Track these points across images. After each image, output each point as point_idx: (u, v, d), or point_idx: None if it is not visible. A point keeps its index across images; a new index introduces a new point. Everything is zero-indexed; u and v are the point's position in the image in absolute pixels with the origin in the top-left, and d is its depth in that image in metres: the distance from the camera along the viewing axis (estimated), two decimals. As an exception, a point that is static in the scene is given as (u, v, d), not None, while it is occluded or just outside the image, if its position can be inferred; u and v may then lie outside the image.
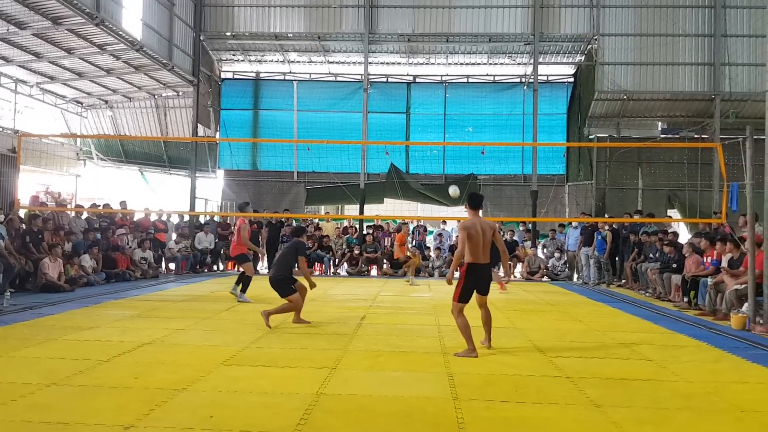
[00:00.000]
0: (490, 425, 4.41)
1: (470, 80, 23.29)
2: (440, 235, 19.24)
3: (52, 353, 6.38)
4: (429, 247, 19.22)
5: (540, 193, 20.43)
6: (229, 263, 18.84)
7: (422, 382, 5.58)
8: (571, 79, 22.66)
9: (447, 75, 23.33)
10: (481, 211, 7.13)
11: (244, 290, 11.30)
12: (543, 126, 21.30)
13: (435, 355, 6.72)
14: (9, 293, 10.17)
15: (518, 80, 22.91)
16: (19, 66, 18.35)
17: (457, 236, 19.08)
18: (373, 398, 5.00)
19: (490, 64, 22.77)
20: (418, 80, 23.43)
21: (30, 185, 19.62)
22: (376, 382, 5.53)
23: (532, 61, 20.88)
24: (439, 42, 21.39)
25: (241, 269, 11.94)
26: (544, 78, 22.49)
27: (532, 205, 20.17)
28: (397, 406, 4.81)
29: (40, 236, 12.74)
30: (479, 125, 22.61)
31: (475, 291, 6.91)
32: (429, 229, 20.42)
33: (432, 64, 23.02)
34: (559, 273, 17.38)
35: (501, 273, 16.89)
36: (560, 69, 22.91)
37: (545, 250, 18.28)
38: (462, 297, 6.80)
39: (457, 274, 7.16)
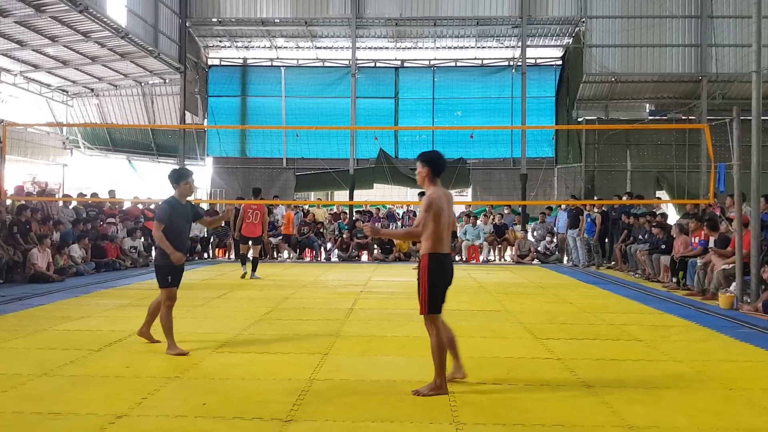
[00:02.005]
0: (482, 408, 4.44)
1: (458, 64, 23.25)
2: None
3: (42, 344, 6.35)
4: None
5: (529, 177, 20.48)
6: (219, 250, 18.80)
7: (414, 366, 5.60)
8: (560, 62, 22.67)
9: (435, 59, 23.28)
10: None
11: (243, 263, 12.85)
12: (531, 109, 21.32)
13: (426, 339, 6.69)
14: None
15: (506, 64, 22.89)
16: (2, 54, 18.14)
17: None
18: (365, 383, 5.02)
19: (478, 47, 22.73)
20: (406, 65, 23.36)
21: (16, 175, 19.43)
22: (368, 367, 5.55)
23: (520, 44, 20.86)
24: (426, 26, 21.30)
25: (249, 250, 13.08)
26: (533, 61, 22.48)
27: (521, 189, 20.23)
28: (390, 389, 4.84)
29: (28, 226, 12.64)
30: (468, 109, 22.61)
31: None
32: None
33: (420, 48, 22.95)
34: (549, 256, 17.46)
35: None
36: (548, 52, 22.91)
37: (535, 234, 18.35)
38: (434, 305, 4.87)
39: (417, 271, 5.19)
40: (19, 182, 17.48)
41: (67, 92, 22.96)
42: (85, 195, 16.23)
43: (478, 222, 18.26)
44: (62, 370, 5.28)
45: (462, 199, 23.12)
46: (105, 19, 16.41)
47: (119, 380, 4.97)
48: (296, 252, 18.13)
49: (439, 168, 4.96)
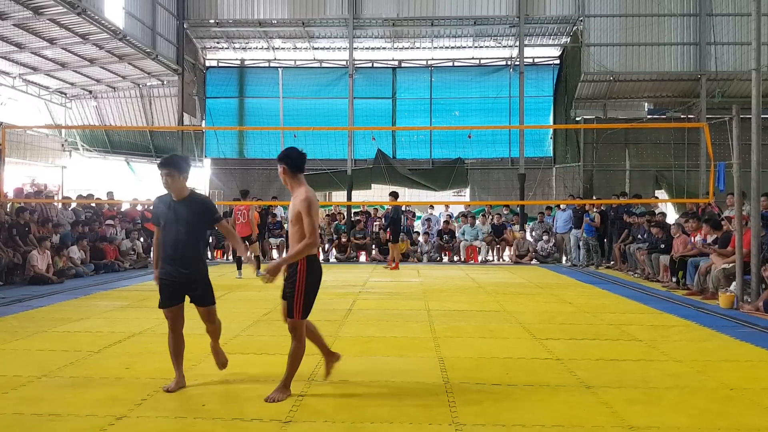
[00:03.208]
0: (481, 408, 4.43)
1: (456, 64, 23.25)
2: (428, 220, 19.25)
3: (42, 345, 6.34)
4: (417, 233, 19.24)
5: (527, 176, 20.49)
6: (218, 251, 18.79)
7: (413, 366, 5.60)
8: (557, 62, 22.68)
9: (432, 59, 23.28)
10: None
11: (239, 267, 13.16)
12: (529, 109, 21.33)
13: (425, 340, 6.74)
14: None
15: (504, 63, 22.90)
16: (1, 57, 18.09)
17: (439, 219, 19.24)
18: (364, 384, 5.02)
19: (476, 47, 22.73)
20: (403, 65, 23.36)
21: (15, 177, 19.39)
22: (367, 368, 5.54)
23: (517, 43, 20.87)
24: (424, 26, 21.30)
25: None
26: (530, 60, 22.49)
27: (519, 188, 20.24)
28: (389, 390, 4.83)
29: (27, 229, 12.63)
30: (466, 109, 22.61)
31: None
32: (417, 214, 20.43)
33: (417, 48, 22.94)
34: (547, 256, 17.47)
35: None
36: (546, 51, 22.92)
37: (533, 233, 18.36)
38: (307, 309, 4.59)
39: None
40: (18, 184, 17.44)
41: (65, 94, 22.93)
42: (85, 197, 16.21)
43: (477, 222, 18.27)
44: (62, 372, 5.27)
45: (460, 199, 23.12)
46: (103, 21, 16.40)
47: (119, 381, 4.96)
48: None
49: (296, 163, 4.74)
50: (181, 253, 4.73)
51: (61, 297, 10.00)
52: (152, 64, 20.42)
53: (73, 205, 15.94)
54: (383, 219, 17.43)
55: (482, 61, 23.14)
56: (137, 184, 23.96)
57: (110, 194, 17.08)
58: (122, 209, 17.51)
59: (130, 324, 7.49)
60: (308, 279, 4.49)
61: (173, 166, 4.76)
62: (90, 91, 23.05)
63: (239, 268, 13.19)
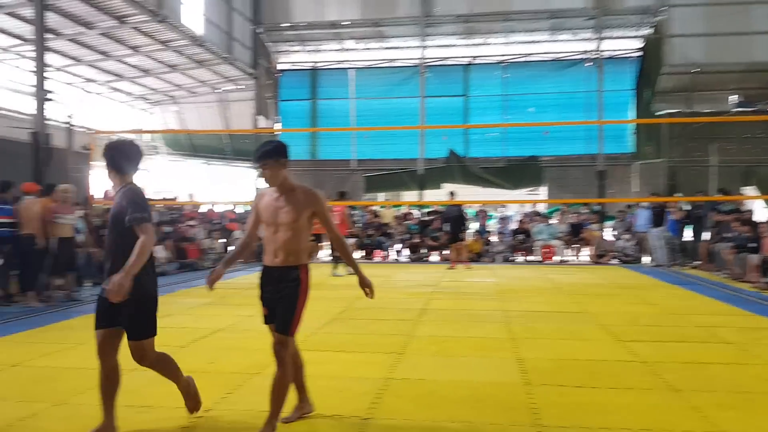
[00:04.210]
0: (564, 410, 4.33)
1: (530, 59, 22.81)
2: (502, 219, 19.00)
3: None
4: (490, 232, 19.02)
5: (607, 173, 19.88)
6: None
7: (491, 367, 5.53)
8: (638, 54, 21.87)
9: (506, 55, 22.91)
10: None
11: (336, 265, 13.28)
12: (608, 103, 20.71)
13: (502, 341, 6.65)
14: (90, 284, 10.61)
15: (581, 57, 22.28)
16: (89, 65, 19.05)
17: (488, 218, 18.84)
18: (442, 383, 4.98)
19: (551, 41, 22.22)
20: (476, 62, 23.11)
21: (102, 181, 20.37)
22: (444, 368, 5.51)
23: (595, 36, 20.28)
24: (497, 21, 21.02)
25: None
26: (609, 53, 21.78)
27: (598, 186, 19.67)
28: (468, 391, 4.78)
29: (114, 229, 13.22)
30: (541, 105, 22.15)
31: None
32: (490, 213, 20.20)
33: (490, 44, 22.64)
34: (628, 255, 16.90)
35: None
36: (626, 43, 22.13)
37: (614, 233, 17.80)
38: (299, 325, 4.07)
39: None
40: (106, 188, 18.30)
41: (148, 100, 23.93)
42: (167, 199, 16.88)
43: (553, 221, 17.89)
44: (150, 366, 5.47)
45: (535, 197, 22.68)
46: (182, 28, 17.02)
47: (204, 376, 5.10)
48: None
49: (286, 155, 3.97)
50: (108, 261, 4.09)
51: (147, 294, 10.41)
52: (229, 68, 21.04)
53: (157, 206, 16.61)
54: (442, 219, 17.31)
55: (558, 56, 22.61)
56: (216, 185, 24.75)
57: (191, 196, 17.70)
58: (202, 210, 18.11)
59: (214, 320, 7.73)
60: (307, 291, 4.06)
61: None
62: (171, 97, 23.96)
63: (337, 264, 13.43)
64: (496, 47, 22.80)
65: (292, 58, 24.33)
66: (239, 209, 19.73)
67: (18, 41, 16.00)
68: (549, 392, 4.75)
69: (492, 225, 19.61)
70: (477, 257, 17.16)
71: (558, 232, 17.60)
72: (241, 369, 5.35)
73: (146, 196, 3.96)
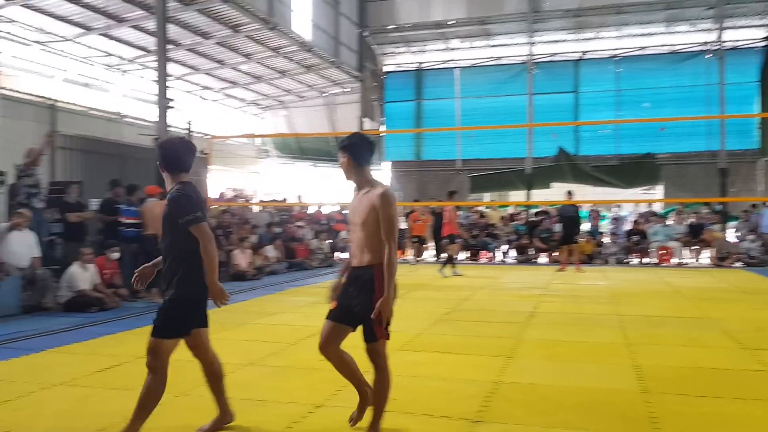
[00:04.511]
0: (686, 421, 4.07)
1: (645, 52, 21.75)
2: (616, 219, 18.23)
3: (246, 336, 6.90)
4: (602, 233, 18.31)
5: (729, 171, 18.62)
6: (399, 251, 19.28)
7: (606, 373, 5.30)
8: (764, 43, 20.34)
9: (618, 49, 21.99)
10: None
11: (445, 264, 13.41)
12: (731, 97, 19.39)
13: (618, 346, 6.36)
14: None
15: (700, 49, 20.99)
16: (206, 74, 20.06)
17: (622, 219, 17.91)
18: (554, 388, 4.83)
19: (668, 33, 21.09)
20: (586, 56, 22.33)
21: (218, 183, 21.42)
22: (556, 372, 5.33)
23: (716, 26, 19.04)
24: (609, 14, 20.22)
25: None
26: (731, 44, 20.39)
27: (720, 184, 18.45)
28: (582, 397, 4.60)
29: (230, 230, 13.87)
30: (657, 100, 21.05)
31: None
32: (602, 213, 19.44)
33: (602, 38, 21.82)
34: (753, 258, 15.73)
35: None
36: (750, 33, 20.64)
37: (737, 234, 16.63)
38: (388, 326, 3.77)
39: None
40: (220, 189, 19.22)
41: (259, 105, 24.90)
42: (277, 200, 17.49)
43: (670, 221, 16.97)
44: (265, 361, 5.68)
45: (650, 197, 21.60)
46: (292, 35, 17.58)
47: (315, 372, 5.22)
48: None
49: (362, 152, 3.83)
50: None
51: (259, 292, 10.85)
52: (336, 72, 21.50)
53: (268, 207, 17.26)
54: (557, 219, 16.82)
55: (675, 48, 21.41)
56: (323, 187, 25.38)
57: (300, 197, 18.24)
58: (310, 211, 18.61)
59: (322, 319, 7.86)
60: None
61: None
62: (281, 102, 24.80)
63: (452, 265, 13.49)
64: (608, 41, 21.92)
65: (397, 59, 24.53)
66: (346, 210, 20.13)
67: (141, 52, 17.10)
68: (669, 401, 4.49)
69: (604, 225, 18.88)
70: (588, 259, 16.57)
71: (675, 233, 16.67)
72: (350, 367, 5.41)
73: (198, 195, 3.73)
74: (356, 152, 3.80)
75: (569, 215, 14.74)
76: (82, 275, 8.90)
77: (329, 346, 3.89)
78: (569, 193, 14.81)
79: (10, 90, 13.45)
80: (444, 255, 14.40)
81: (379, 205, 3.63)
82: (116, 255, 9.66)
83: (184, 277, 3.61)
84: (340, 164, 3.85)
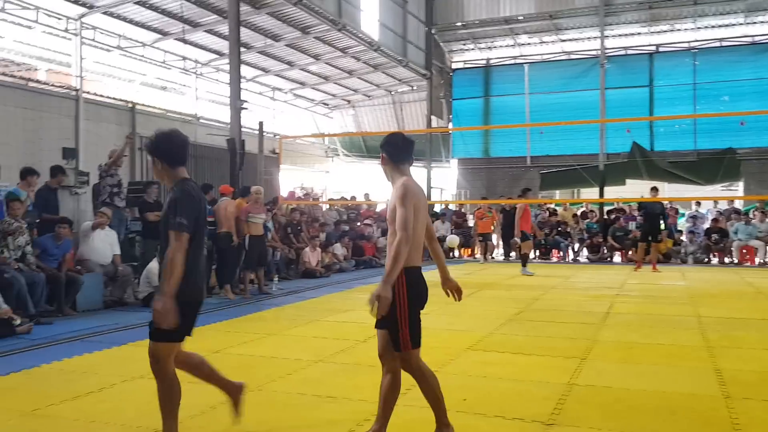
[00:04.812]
0: (775, 430, 3.88)
1: (723, 44, 20.81)
2: (693, 217, 17.52)
3: (316, 333, 7.00)
4: (680, 231, 17.62)
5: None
6: (464, 250, 19.13)
7: (685, 377, 5.11)
8: None
9: (695, 41, 21.13)
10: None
11: (524, 264, 13.39)
12: (820, 87, 18.27)
13: (697, 349, 6.12)
14: (277, 279, 11.41)
15: (784, 38, 19.91)
16: (276, 75, 20.47)
17: (697, 216, 17.15)
18: (630, 392, 4.69)
19: (748, 23, 20.10)
20: (661, 50, 21.55)
21: (288, 182, 21.84)
22: (632, 375, 5.17)
23: (803, 13, 18.00)
24: (685, 6, 19.47)
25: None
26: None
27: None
28: (659, 401, 4.45)
29: (299, 228, 14.10)
30: (736, 93, 20.10)
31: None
32: (680, 211, 18.71)
33: (677, 30, 21.03)
34: None
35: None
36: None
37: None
38: (415, 335, 3.54)
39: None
40: (290, 188, 19.59)
41: (327, 105, 25.22)
42: (345, 199, 17.68)
43: (754, 219, 16.17)
44: (334, 358, 5.75)
45: (731, 194, 20.63)
46: (360, 35, 17.71)
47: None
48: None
49: (398, 151, 3.71)
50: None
51: (328, 289, 10.99)
52: (403, 71, 21.53)
53: (336, 206, 17.46)
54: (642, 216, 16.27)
55: (756, 39, 20.39)
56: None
57: (367, 196, 18.36)
58: (377, 209, 18.71)
59: (390, 317, 7.92)
60: (411, 297, 3.49)
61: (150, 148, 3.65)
62: (348, 101, 25.05)
63: (524, 265, 13.48)
64: (684, 33, 21.11)
65: (465, 56, 24.35)
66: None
67: (215, 56, 17.61)
68: (753, 408, 4.29)
69: (681, 223, 18.17)
70: (665, 258, 16.00)
71: (759, 232, 15.87)
72: (419, 365, 5.40)
73: (200, 195, 3.53)
74: (391, 151, 3.71)
75: (656, 212, 14.24)
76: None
77: (384, 355, 3.65)
78: (655, 189, 14.34)
79: (93, 94, 14.09)
80: (518, 254, 14.27)
81: (392, 196, 3.55)
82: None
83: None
84: (380, 163, 3.79)
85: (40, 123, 12.50)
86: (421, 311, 3.58)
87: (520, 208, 13.59)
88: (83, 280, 8.41)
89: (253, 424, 3.99)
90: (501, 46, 23.35)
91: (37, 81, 13.50)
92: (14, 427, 3.97)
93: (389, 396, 3.61)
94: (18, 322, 6.85)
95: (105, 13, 13.93)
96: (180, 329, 3.35)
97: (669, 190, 20.91)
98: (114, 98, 14.96)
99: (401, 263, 3.38)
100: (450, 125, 24.14)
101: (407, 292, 3.47)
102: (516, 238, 13.86)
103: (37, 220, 9.12)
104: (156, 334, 3.35)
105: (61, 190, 10.36)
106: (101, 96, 14.36)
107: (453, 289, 3.93)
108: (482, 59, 24.01)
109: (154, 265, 9.19)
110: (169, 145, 3.53)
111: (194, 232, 3.38)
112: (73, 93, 13.22)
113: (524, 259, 13.57)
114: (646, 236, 14.29)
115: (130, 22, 14.80)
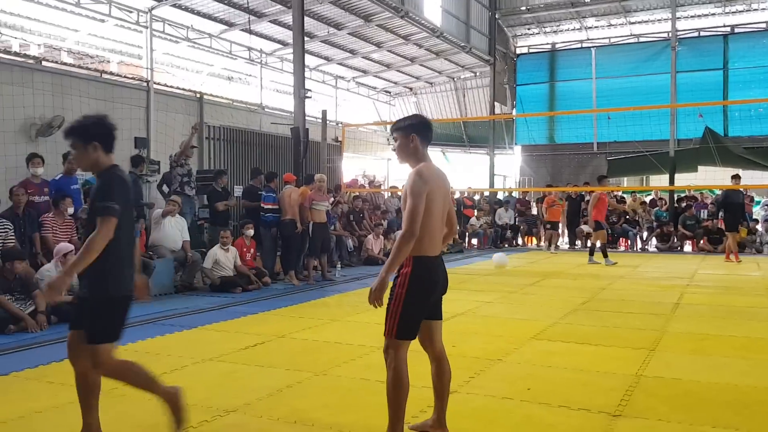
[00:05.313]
0: None
1: (806, 23, 19.72)
2: (770, 205, 16.76)
3: (378, 319, 6.97)
4: (756, 220, 16.88)
5: None
6: (528, 238, 18.89)
7: (760, 370, 4.92)
8: None
9: (775, 20, 20.09)
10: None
11: (605, 255, 12.99)
12: None
13: (775, 342, 5.87)
14: (340, 266, 11.55)
15: None
16: (338, 63, 20.62)
17: (535, 201, 16.01)
18: (701, 384, 4.55)
19: (834, -1, 18.98)
20: (737, 30, 20.58)
21: (350, 170, 22.02)
22: (703, 368, 5.02)
23: None
24: (765, -18, 18.50)
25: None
26: None
27: None
28: (731, 395, 4.32)
29: (362, 215, 14.22)
30: (820, 74, 19.02)
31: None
32: (756, 199, 17.91)
33: (754, 10, 20.03)
34: None
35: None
36: None
37: None
38: (405, 327, 3.39)
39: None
40: (353, 176, 19.74)
41: (389, 93, 25.24)
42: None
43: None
44: (397, 345, 5.78)
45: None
46: (423, 21, 17.62)
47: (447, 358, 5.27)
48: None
49: (422, 130, 3.44)
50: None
51: (390, 277, 11.02)
52: (466, 57, 21.32)
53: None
54: (714, 205, 15.67)
55: (842, 16, 19.25)
56: (452, 172, 25.32)
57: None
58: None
59: (452, 305, 7.88)
60: (411, 287, 3.33)
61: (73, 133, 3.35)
62: (410, 89, 25.01)
63: (591, 254, 13.36)
64: (762, 13, 20.07)
65: (529, 41, 23.89)
66: (476, 196, 19.98)
67: (279, 46, 17.87)
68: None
69: (757, 212, 17.39)
70: (739, 248, 15.37)
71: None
72: (482, 354, 5.40)
73: (124, 180, 3.33)
74: (411, 133, 3.43)
75: (738, 201, 13.69)
76: (224, 257, 9.41)
77: (423, 344, 3.66)
78: (736, 177, 13.78)
79: (163, 85, 14.54)
80: (584, 242, 13.96)
81: (405, 184, 3.37)
82: (250, 232, 10.03)
83: (100, 273, 3.18)
84: (395, 147, 3.54)
85: (113, 113, 12.81)
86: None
87: (595, 196, 13.24)
88: (155, 265, 8.73)
89: (317, 407, 4.07)
90: (567, 30, 22.79)
91: (110, 73, 14.01)
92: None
93: (436, 384, 3.66)
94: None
95: (174, 5, 14.32)
96: (117, 327, 3.26)
97: (744, 177, 19.98)
98: (182, 89, 15.38)
99: (400, 259, 3.27)
100: (514, 111, 23.77)
101: (409, 281, 3.33)
102: (582, 227, 13.59)
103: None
104: (94, 337, 3.19)
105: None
106: (170, 87, 14.80)
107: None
108: (547, 44, 23.50)
109: (216, 250, 9.43)
110: (107, 130, 3.37)
111: (125, 222, 3.24)
112: (144, 84, 13.67)
113: (603, 249, 13.18)
114: (734, 225, 13.70)
115: (198, 13, 15.17)
